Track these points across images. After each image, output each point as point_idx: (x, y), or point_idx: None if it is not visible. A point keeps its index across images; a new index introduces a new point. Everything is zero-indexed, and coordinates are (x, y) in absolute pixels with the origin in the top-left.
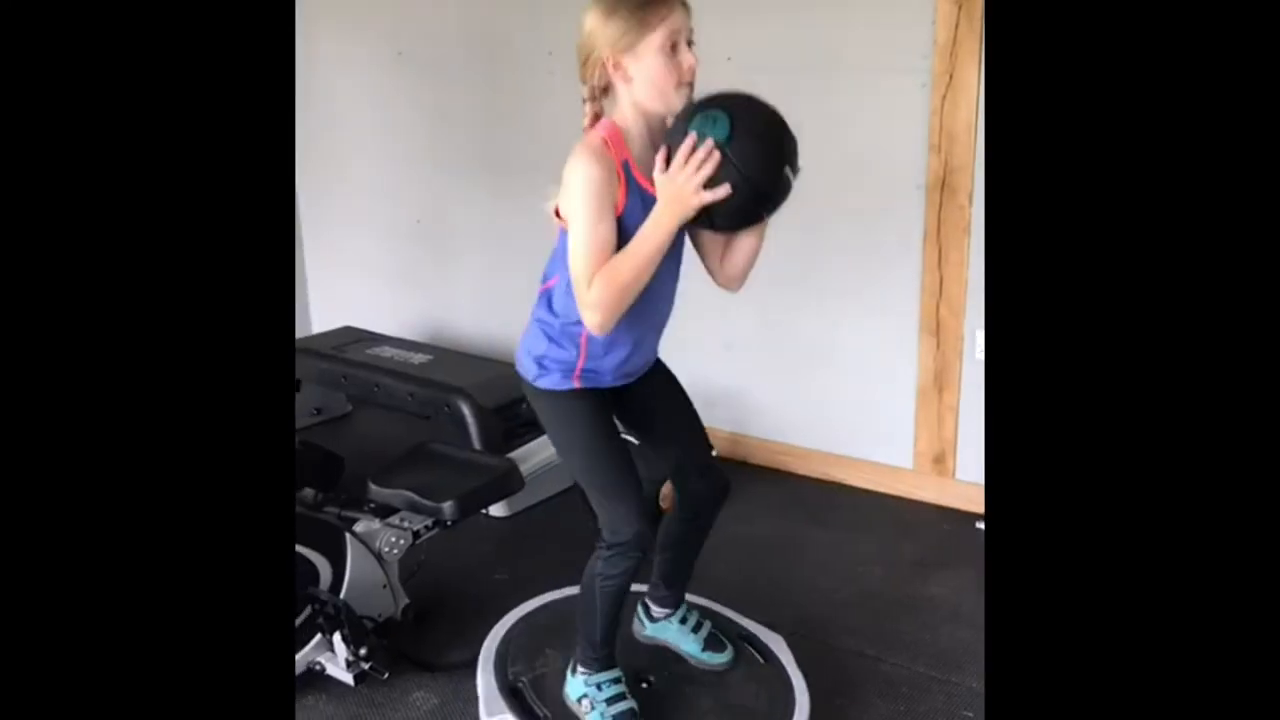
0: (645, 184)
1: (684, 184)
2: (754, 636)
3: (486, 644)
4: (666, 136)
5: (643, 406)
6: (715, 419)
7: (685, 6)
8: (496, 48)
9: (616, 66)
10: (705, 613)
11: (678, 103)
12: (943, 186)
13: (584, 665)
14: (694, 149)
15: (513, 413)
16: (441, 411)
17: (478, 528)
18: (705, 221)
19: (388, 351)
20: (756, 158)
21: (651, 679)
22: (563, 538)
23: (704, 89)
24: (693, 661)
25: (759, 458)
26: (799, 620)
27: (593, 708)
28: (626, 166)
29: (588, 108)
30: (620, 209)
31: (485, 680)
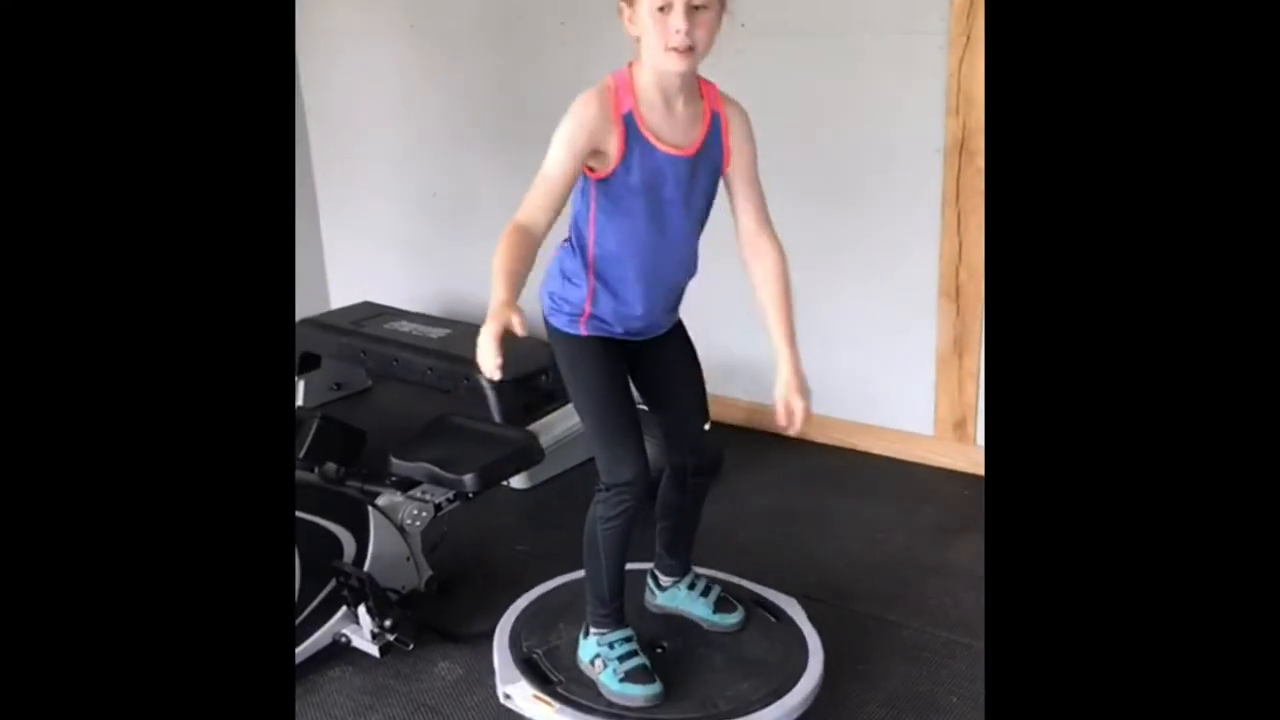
0: (650, 137)
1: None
2: (766, 600)
3: (502, 622)
4: None
5: (652, 369)
6: (736, 389)
7: None
8: (509, 18)
9: (620, 13)
10: (715, 581)
11: (668, 66)
12: (961, 149)
13: (596, 626)
14: None
15: (532, 385)
16: (460, 385)
17: (499, 499)
18: None
19: (406, 326)
20: None
21: (665, 644)
22: (582, 509)
23: (717, 52)
24: (705, 625)
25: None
26: (820, 586)
27: (605, 666)
28: (630, 117)
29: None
30: (617, 159)
31: (501, 653)
